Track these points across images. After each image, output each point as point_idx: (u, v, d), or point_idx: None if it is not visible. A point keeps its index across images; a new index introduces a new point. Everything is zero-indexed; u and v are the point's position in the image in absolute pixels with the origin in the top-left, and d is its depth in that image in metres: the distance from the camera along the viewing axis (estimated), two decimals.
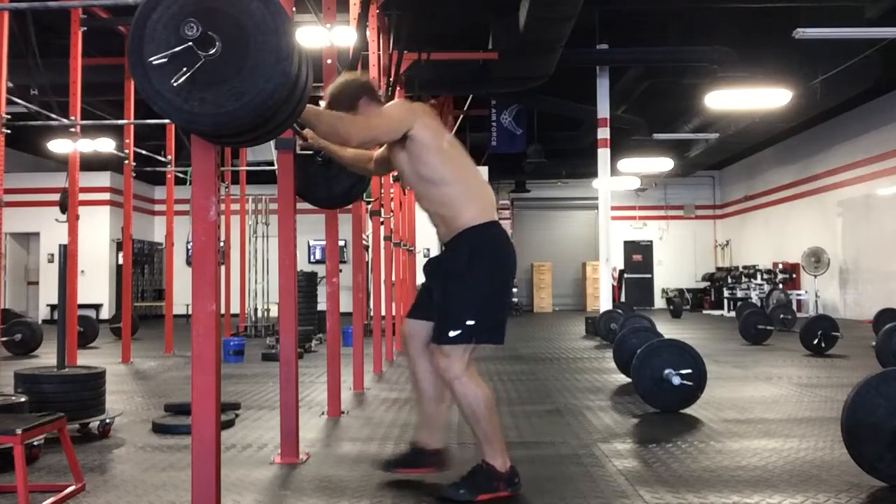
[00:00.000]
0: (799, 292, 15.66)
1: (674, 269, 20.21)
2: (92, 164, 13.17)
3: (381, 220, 7.62)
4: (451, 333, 2.86)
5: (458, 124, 14.69)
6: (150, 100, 2.30)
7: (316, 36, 5.87)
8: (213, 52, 2.23)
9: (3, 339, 8.49)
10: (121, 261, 11.57)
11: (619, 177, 16.66)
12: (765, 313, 10.34)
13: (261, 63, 2.24)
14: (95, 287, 15.70)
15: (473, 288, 2.92)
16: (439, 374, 2.95)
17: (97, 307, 15.72)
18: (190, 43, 2.19)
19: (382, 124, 2.99)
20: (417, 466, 3.16)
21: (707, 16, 10.85)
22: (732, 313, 15.39)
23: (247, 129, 2.40)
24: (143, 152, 9.67)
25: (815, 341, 8.15)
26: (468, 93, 13.38)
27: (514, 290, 18.00)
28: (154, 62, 2.23)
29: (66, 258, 3.98)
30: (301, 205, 3.84)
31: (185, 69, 2.22)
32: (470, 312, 2.88)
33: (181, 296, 9.61)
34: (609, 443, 3.93)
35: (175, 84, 2.22)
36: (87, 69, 7.42)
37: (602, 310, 11.56)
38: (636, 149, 15.43)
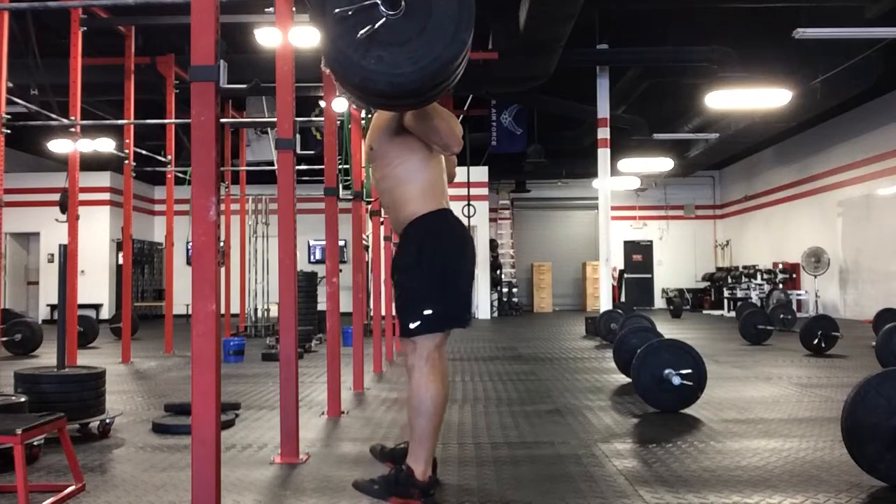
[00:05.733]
0: (799, 292, 15.66)
1: (674, 269, 20.21)
2: (92, 164, 13.18)
3: (381, 220, 7.62)
4: (412, 325, 2.85)
5: None
6: (326, 52, 2.29)
7: (317, 36, 5.88)
8: (396, 12, 2.21)
9: (3, 339, 8.49)
10: (121, 261, 11.58)
11: (619, 177, 16.66)
12: (765, 313, 10.33)
13: (440, 29, 2.23)
14: (95, 287, 15.71)
15: (427, 278, 2.89)
16: (406, 363, 2.95)
17: (97, 307, 15.72)
18: (378, 0, 2.18)
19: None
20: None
21: (707, 16, 10.85)
22: (732, 313, 15.39)
23: (411, 94, 2.40)
24: (143, 152, 9.67)
25: (815, 341, 8.15)
26: (468, 93, 13.38)
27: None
28: (338, 13, 2.21)
29: (66, 258, 3.98)
30: (301, 205, 3.84)
31: (368, 26, 2.20)
32: (426, 302, 2.86)
33: (181, 296, 9.62)
34: (609, 443, 3.93)
35: (357, 39, 2.20)
36: (87, 69, 7.42)
37: (602, 310, 11.56)
38: (636, 149, 15.43)
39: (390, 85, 2.30)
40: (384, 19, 2.22)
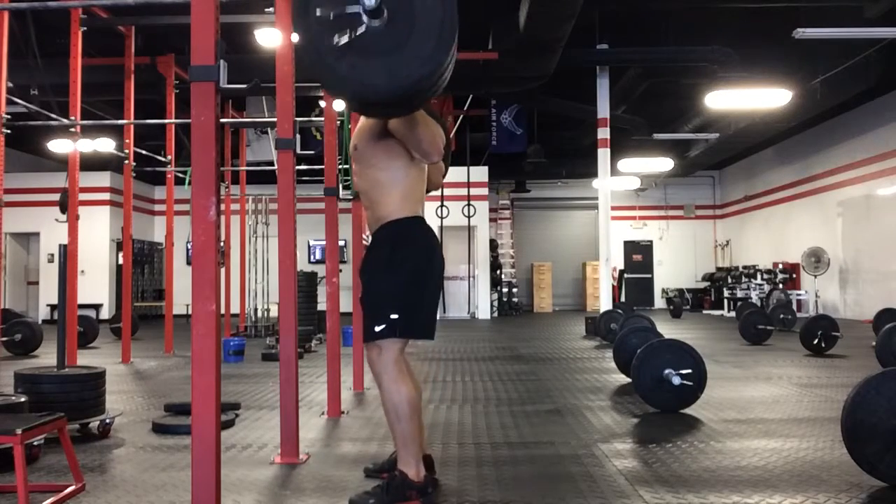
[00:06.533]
0: (799, 292, 15.65)
1: (674, 269, 20.21)
2: (92, 164, 13.18)
3: None
4: (377, 328, 2.85)
5: (458, 124, 14.69)
6: (303, 50, 2.31)
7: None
8: (378, 23, 2.21)
9: (3, 339, 8.49)
10: (121, 261, 11.57)
11: (619, 177, 16.66)
12: (765, 313, 10.33)
13: (420, 47, 2.23)
14: (95, 287, 15.71)
15: (395, 282, 2.89)
16: (371, 368, 2.94)
17: (97, 307, 15.72)
18: (360, 8, 2.18)
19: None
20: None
21: (707, 16, 10.85)
22: (732, 313, 15.38)
23: (382, 105, 2.41)
24: (143, 152, 9.67)
25: (815, 341, 8.15)
26: (468, 93, 13.37)
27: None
28: (320, 15, 2.22)
29: (66, 258, 3.98)
30: (301, 205, 3.85)
31: (348, 31, 2.20)
32: (393, 306, 2.85)
33: (181, 296, 9.62)
34: (609, 443, 3.93)
35: (334, 43, 2.21)
36: (87, 69, 7.42)
37: (602, 310, 11.55)
38: (636, 149, 15.43)
39: (357, 94, 2.31)
40: (364, 28, 2.22)
